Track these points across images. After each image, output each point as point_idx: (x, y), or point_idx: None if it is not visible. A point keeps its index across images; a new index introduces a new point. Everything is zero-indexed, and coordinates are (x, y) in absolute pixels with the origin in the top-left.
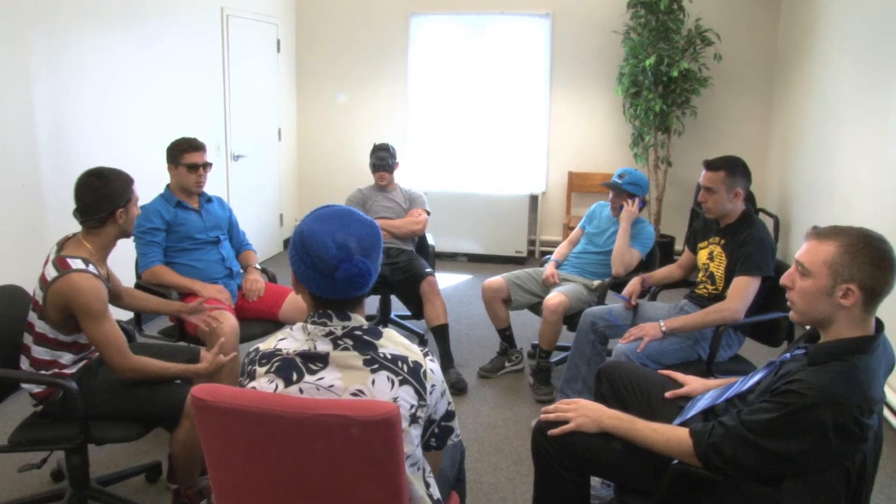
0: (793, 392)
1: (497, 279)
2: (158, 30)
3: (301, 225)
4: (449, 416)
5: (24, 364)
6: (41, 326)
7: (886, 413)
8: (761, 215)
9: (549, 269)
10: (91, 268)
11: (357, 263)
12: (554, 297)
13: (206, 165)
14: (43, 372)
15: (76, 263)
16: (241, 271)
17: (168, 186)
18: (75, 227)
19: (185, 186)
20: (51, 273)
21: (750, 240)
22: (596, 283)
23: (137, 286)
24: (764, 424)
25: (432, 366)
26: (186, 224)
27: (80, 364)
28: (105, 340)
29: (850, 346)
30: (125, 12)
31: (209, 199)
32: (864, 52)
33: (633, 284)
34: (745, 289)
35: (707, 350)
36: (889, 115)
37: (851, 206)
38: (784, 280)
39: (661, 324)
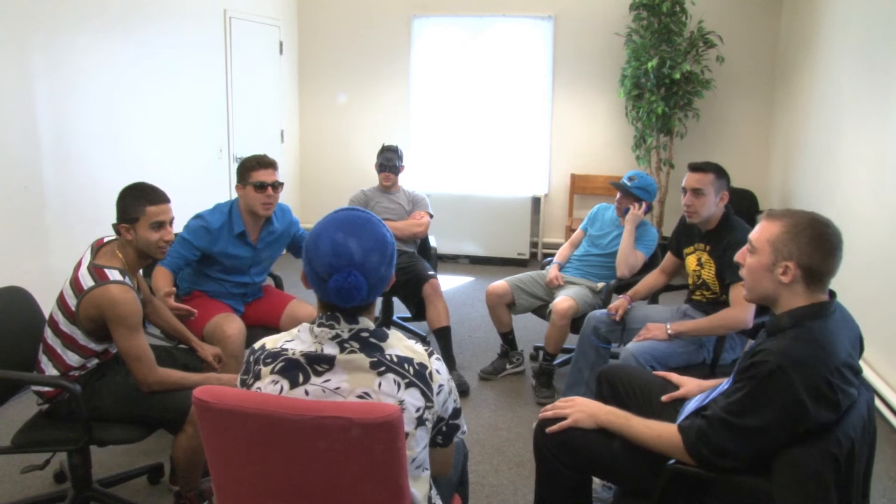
0: (756, 363)
1: (501, 284)
2: (161, 32)
3: (317, 223)
4: (456, 413)
5: (49, 367)
6: (72, 331)
7: (886, 413)
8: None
9: (552, 271)
10: (127, 279)
11: (348, 275)
12: (563, 302)
13: (277, 185)
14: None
15: (113, 274)
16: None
17: (237, 205)
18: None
19: (251, 208)
20: (87, 281)
21: (732, 245)
22: (600, 284)
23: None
24: (739, 403)
25: (438, 365)
26: (231, 259)
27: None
28: (136, 353)
29: (804, 313)
30: (128, 14)
31: (273, 230)
32: (864, 54)
33: (621, 302)
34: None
35: (711, 353)
36: (890, 115)
37: (853, 206)
38: (737, 257)
39: (668, 326)
